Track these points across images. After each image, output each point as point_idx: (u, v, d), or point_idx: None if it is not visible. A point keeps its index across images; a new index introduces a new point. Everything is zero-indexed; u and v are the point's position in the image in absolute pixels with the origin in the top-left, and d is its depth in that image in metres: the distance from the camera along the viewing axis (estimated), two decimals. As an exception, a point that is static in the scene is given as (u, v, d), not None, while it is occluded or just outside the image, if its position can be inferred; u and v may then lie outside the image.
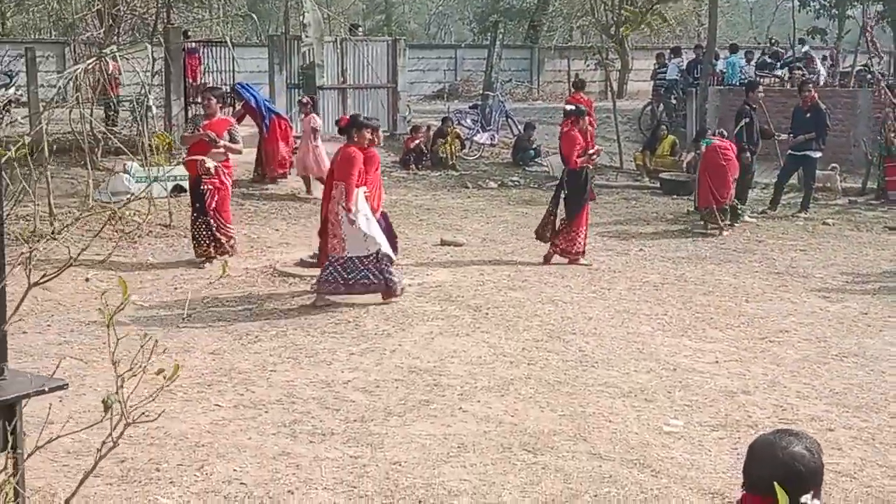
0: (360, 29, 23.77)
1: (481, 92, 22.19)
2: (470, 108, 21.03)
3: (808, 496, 2.22)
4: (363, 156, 9.18)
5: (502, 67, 22.81)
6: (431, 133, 18.47)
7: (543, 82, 29.46)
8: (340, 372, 7.36)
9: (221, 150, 10.62)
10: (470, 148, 19.34)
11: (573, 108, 11.74)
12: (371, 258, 9.12)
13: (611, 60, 25.50)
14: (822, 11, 25.27)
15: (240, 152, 11.17)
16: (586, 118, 11.31)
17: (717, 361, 7.73)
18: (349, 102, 18.60)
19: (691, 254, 11.90)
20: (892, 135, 15.25)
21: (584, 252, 11.17)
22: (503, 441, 6.07)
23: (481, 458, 5.82)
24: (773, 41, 25.63)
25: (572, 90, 19.29)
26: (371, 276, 9.15)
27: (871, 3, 23.61)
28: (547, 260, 11.12)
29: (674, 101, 21.54)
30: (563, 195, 11.13)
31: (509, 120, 20.61)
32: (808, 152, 14.34)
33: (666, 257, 11.63)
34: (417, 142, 17.93)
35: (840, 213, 14.73)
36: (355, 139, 9.20)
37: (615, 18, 25.25)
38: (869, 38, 17.24)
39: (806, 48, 23.96)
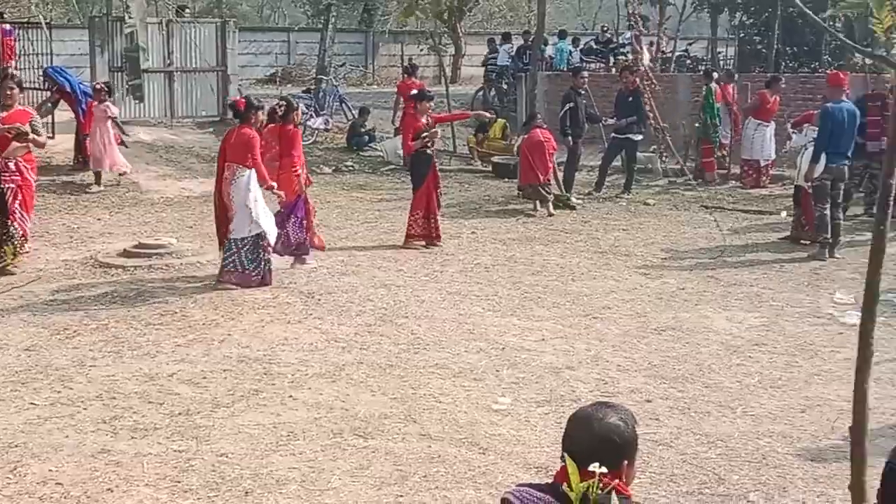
0: (188, 10, 23.03)
1: (315, 76, 21.96)
2: (303, 92, 20.77)
3: (596, 465, 2.29)
4: (289, 135, 9.79)
5: (336, 52, 22.68)
6: (263, 118, 18.12)
7: (378, 67, 29.46)
8: (165, 364, 7.15)
9: (25, 144, 9.81)
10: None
11: (415, 92, 11.91)
12: (248, 241, 9.14)
13: (444, 45, 25.73)
14: (644, -2, 26.26)
15: (43, 145, 10.53)
16: (426, 102, 11.38)
17: (543, 339, 7.94)
18: (176, 86, 18.03)
19: (521, 235, 12.17)
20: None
21: (419, 236, 11.27)
22: (334, 427, 6.05)
23: (311, 445, 5.78)
24: (604, 28, 26.44)
25: (404, 75, 19.36)
26: (241, 262, 9.16)
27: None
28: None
29: (505, 86, 21.94)
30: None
31: (343, 105, 20.50)
32: (630, 135, 14.88)
33: (497, 239, 11.84)
34: (248, 127, 17.56)
35: (660, 194, 15.37)
36: (251, 121, 9.31)
37: (448, 3, 25.46)
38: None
39: (630, 34, 24.85)
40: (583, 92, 14.64)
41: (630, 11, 18.41)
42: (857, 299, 9.12)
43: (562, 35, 23.98)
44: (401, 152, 17.05)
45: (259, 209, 9.17)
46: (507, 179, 16.25)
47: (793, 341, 7.94)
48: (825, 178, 10.88)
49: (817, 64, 22.22)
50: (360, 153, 18.43)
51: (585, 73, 15.68)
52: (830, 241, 10.88)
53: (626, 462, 2.96)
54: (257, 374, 6.98)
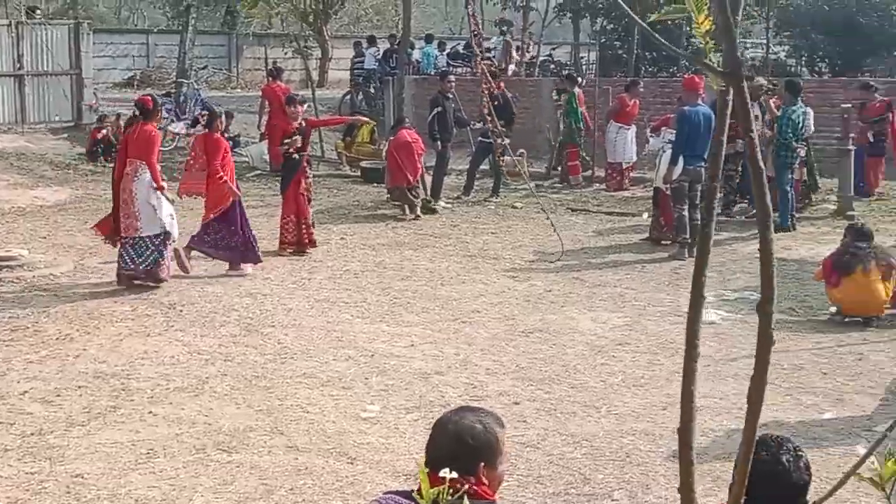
0: (39, 11, 22.12)
1: (175, 80, 21.38)
2: (163, 96, 20.17)
3: (447, 471, 2.25)
4: (214, 143, 9.94)
5: (198, 54, 22.14)
6: (122, 123, 17.53)
7: (243, 70, 28.95)
8: (16, 382, 6.79)
9: None
10: (165, 138, 18.55)
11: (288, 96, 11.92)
12: (160, 237, 9.22)
13: (309, 48, 25.47)
14: (508, 3, 26.64)
15: None
16: (298, 107, 11.27)
17: (413, 345, 7.90)
18: (27, 91, 17.26)
19: (390, 240, 12.12)
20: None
21: (292, 242, 11.12)
22: (196, 442, 5.85)
23: (172, 462, 5.57)
24: (475, 33, 26.56)
25: (269, 79, 19.02)
26: (160, 258, 9.27)
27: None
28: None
29: (372, 90, 21.86)
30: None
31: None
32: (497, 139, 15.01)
33: (366, 245, 11.76)
34: (105, 132, 16.95)
35: (527, 197, 15.55)
36: (156, 119, 9.67)
37: (313, 6, 25.22)
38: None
39: (501, 38, 25.14)
40: (451, 96, 14.70)
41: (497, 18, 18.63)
42: (715, 297, 9.45)
43: (428, 39, 24.09)
44: (267, 157, 16.77)
45: (164, 206, 9.26)
46: (375, 184, 16.17)
47: (655, 340, 8.13)
48: (683, 179, 11.21)
49: (675, 69, 22.92)
50: (225, 159, 18.01)
51: (452, 77, 15.76)
52: (689, 241, 11.20)
53: (482, 464, 2.92)
54: (114, 390, 6.69)
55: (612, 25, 26.12)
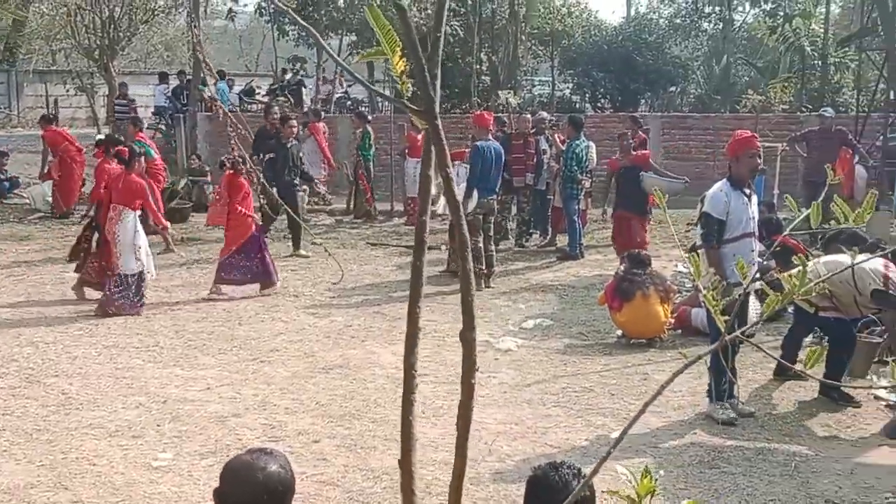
0: None
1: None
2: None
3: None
4: (237, 183, 11.02)
5: (-28, 91, 20.82)
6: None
7: (24, 108, 27.47)
8: None
9: None
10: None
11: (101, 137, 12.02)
12: (136, 275, 10.06)
13: (95, 85, 24.49)
14: (300, 40, 26.60)
15: None
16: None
17: (208, 388, 7.66)
18: None
19: (186, 281, 11.75)
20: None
21: (94, 283, 10.73)
22: (-31, 505, 5.43)
23: (-59, 529, 5.14)
24: (286, 70, 26.26)
25: (44, 123, 17.71)
26: (129, 295, 10.03)
27: (345, 33, 25.35)
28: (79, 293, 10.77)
29: (163, 127, 21.26)
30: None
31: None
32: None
33: (159, 286, 11.33)
34: None
35: (328, 232, 15.52)
36: (136, 167, 10.42)
37: (98, 42, 24.30)
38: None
39: (294, 76, 25.05)
40: (292, 141, 13.79)
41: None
42: (513, 325, 9.70)
43: (221, 75, 23.68)
44: (50, 199, 15.97)
45: (144, 247, 10.21)
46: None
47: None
48: (478, 212, 11.49)
49: (468, 105, 23.56)
50: (3, 201, 17.02)
51: (291, 121, 14.77)
52: (485, 271, 11.47)
53: None
54: None
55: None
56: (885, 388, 7.41)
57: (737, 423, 6.81)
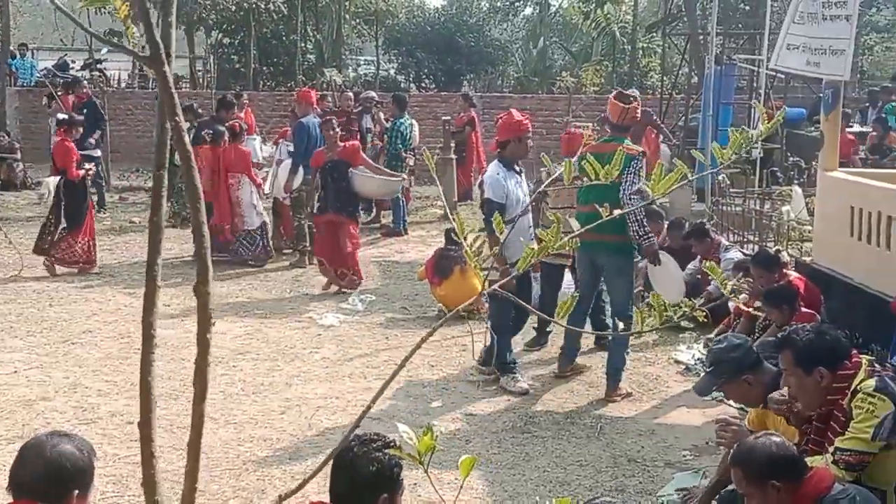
0: None
1: None
2: None
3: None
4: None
5: None
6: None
7: None
8: None
9: None
10: None
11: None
12: (259, 229, 11.60)
13: None
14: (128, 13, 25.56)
15: None
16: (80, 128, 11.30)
17: (16, 371, 7.37)
18: None
19: (-9, 263, 11.18)
20: None
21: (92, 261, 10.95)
22: None
23: None
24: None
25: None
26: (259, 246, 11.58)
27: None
28: (50, 272, 10.75)
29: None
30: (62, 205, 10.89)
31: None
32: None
33: (-39, 268, 10.75)
34: None
35: (145, 211, 15.05)
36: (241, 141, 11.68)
37: None
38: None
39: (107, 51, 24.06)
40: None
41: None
42: (334, 301, 9.75)
43: (22, 50, 22.54)
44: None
45: (260, 204, 11.68)
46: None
47: (275, 346, 8.24)
48: (302, 189, 11.44)
49: (293, 83, 23.33)
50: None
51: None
52: (309, 248, 11.46)
53: (76, 492, 2.86)
54: None
55: (228, 39, 26.01)
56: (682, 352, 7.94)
57: (529, 392, 7.10)
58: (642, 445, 6.12)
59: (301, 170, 11.30)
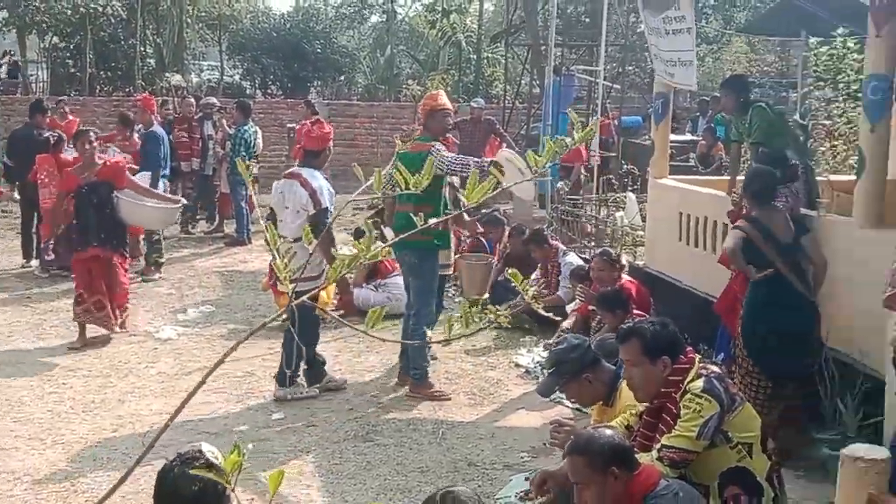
0: None
1: None
2: None
3: None
4: None
5: None
6: None
7: None
8: None
9: None
10: None
11: None
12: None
13: None
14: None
15: None
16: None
17: None
18: None
19: None
20: None
21: None
22: None
23: None
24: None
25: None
26: None
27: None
28: None
29: None
30: None
31: None
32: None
33: None
34: None
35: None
36: None
37: None
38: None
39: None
40: None
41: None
42: (172, 314, 9.47)
43: None
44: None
45: None
46: None
47: (108, 361, 7.93)
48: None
49: (131, 88, 22.58)
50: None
51: None
52: (163, 260, 11.18)
53: None
54: None
55: (63, 43, 24.96)
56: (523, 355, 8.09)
57: (317, 395, 7.10)
58: (482, 449, 6.19)
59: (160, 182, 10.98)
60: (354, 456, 6.05)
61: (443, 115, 7.10)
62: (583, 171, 13.21)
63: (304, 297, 2.15)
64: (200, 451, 2.98)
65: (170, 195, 10.56)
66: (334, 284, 9.53)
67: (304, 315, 6.77)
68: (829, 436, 5.62)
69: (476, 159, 7.13)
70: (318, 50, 25.41)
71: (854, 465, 3.56)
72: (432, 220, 2.10)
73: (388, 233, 7.64)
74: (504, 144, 14.57)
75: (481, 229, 9.75)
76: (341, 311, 9.53)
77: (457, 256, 9.07)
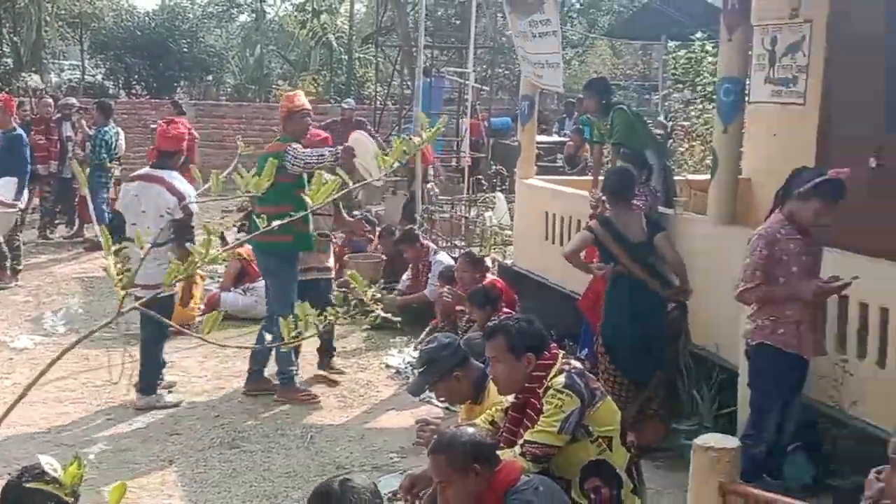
0: None
1: None
2: None
3: None
4: None
5: None
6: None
7: None
8: None
9: None
10: None
11: None
12: None
13: None
14: None
15: None
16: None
17: None
18: None
19: None
20: None
21: None
22: None
23: None
24: None
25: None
26: None
27: None
28: None
29: None
30: None
31: None
32: None
33: None
34: None
35: None
36: None
37: None
38: None
39: None
40: None
41: None
42: (30, 322, 9.08)
43: None
44: None
45: None
46: None
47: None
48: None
49: (-15, 87, 21.59)
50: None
51: None
52: (20, 267, 10.74)
53: None
54: None
55: None
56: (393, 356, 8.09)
57: (181, 403, 6.97)
58: (351, 451, 6.15)
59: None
60: (220, 464, 5.92)
61: (301, 116, 7.00)
62: (430, 170, 13.11)
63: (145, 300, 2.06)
64: (40, 465, 2.86)
65: (4, 200, 10.13)
66: (201, 288, 9.34)
67: (148, 319, 6.60)
68: (687, 426, 5.81)
69: (331, 148, 7.04)
70: (185, 49, 24.84)
71: (706, 455, 3.67)
72: (276, 223, 2.04)
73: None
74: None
75: (368, 228, 9.51)
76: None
77: (344, 257, 9.00)
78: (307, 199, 2.03)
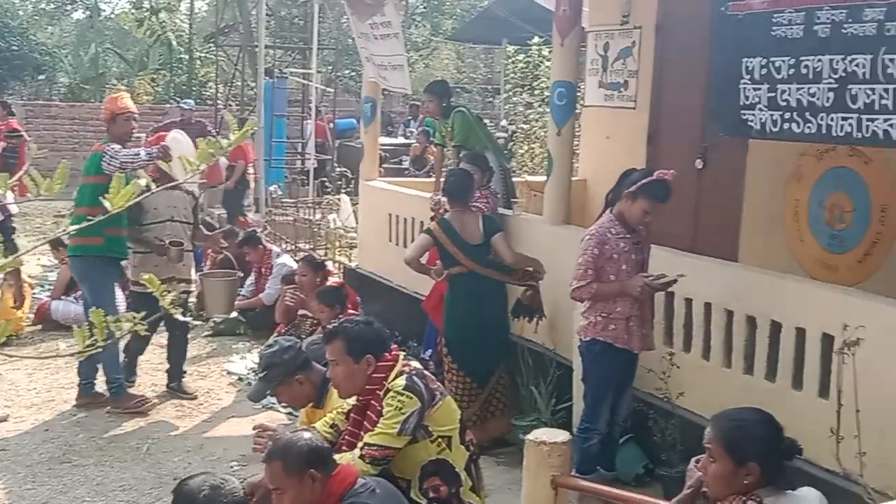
0: None
1: None
2: None
3: None
4: None
5: None
6: None
7: None
8: None
9: None
10: None
11: None
12: None
13: None
14: None
15: None
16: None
17: None
18: None
19: None
20: None
21: None
22: None
23: None
24: None
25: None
26: None
27: None
28: None
29: None
30: None
31: None
32: None
33: None
34: None
35: None
36: None
37: None
38: None
39: None
40: None
41: None
42: None
43: None
44: None
45: None
46: None
47: None
48: None
49: None
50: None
51: None
52: None
53: None
54: None
55: None
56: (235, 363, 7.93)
57: (7, 418, 6.68)
58: (189, 462, 5.99)
59: None
60: (49, 479, 5.66)
61: (124, 119, 6.77)
62: (250, 169, 12.83)
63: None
64: None
65: None
66: (28, 297, 8.92)
67: None
68: (527, 422, 5.92)
69: (148, 149, 6.86)
70: (15, 47, 23.64)
71: (538, 449, 3.75)
72: (71, 228, 1.97)
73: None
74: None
75: (224, 244, 9.05)
76: (39, 326, 8.93)
77: (199, 274, 8.55)
78: (105, 203, 1.95)
